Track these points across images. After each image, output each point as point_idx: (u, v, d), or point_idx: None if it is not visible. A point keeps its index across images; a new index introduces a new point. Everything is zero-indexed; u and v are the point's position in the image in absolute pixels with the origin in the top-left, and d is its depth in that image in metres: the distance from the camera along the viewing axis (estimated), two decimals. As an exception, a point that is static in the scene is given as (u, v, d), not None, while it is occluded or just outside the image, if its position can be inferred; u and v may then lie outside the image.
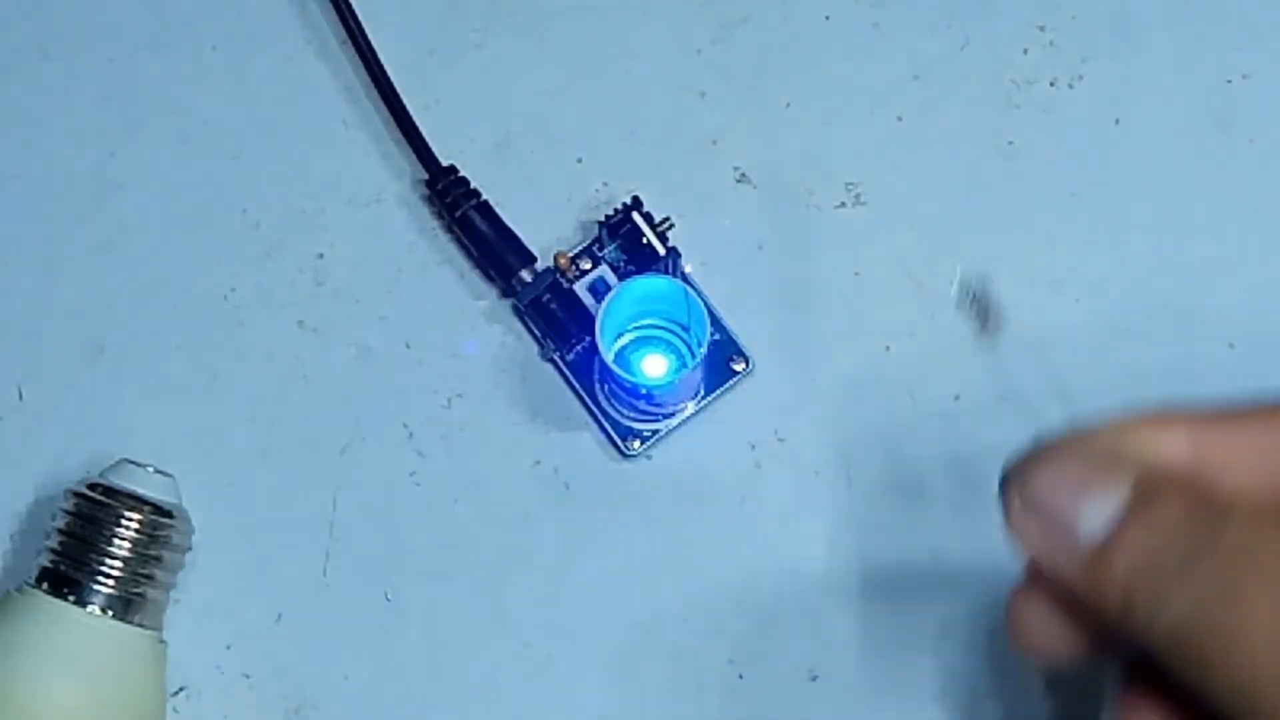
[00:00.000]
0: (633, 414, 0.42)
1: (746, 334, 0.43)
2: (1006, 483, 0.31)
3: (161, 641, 0.40)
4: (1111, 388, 0.43)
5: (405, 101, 0.44)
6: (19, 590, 0.39)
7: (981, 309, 0.35)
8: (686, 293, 0.40)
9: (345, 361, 0.44)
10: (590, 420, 0.43)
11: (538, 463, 0.43)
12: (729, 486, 0.42)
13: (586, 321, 0.42)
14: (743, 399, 0.43)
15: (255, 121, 0.45)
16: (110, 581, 0.38)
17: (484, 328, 0.44)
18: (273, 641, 0.42)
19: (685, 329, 0.41)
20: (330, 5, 0.45)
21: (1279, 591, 0.27)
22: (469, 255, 0.44)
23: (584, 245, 0.44)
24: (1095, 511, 0.29)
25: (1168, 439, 0.30)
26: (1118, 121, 0.45)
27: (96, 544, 0.38)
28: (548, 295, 0.42)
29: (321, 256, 0.44)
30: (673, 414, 0.42)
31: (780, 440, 0.43)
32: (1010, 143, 0.45)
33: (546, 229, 0.44)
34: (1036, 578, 0.31)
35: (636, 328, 0.42)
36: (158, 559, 0.39)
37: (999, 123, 0.45)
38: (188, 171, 0.45)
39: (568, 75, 0.46)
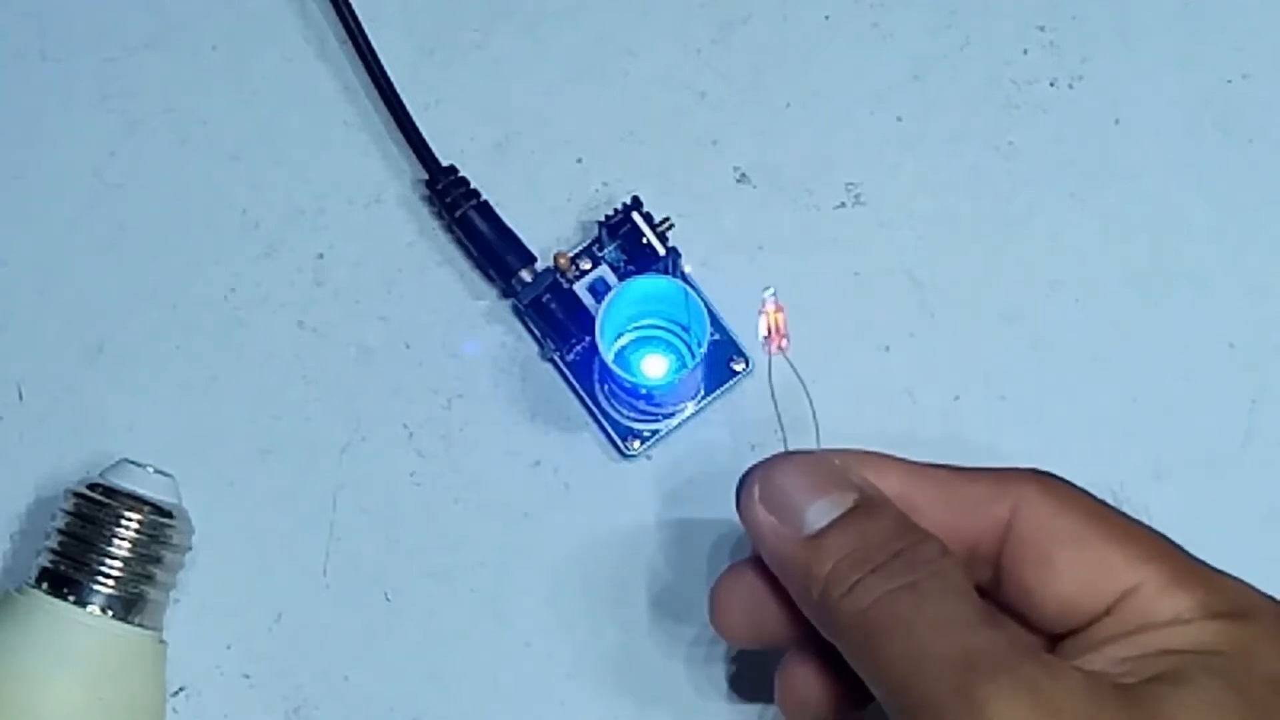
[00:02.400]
0: (633, 414, 0.42)
1: (746, 334, 0.43)
2: (749, 477, 0.36)
3: (161, 641, 0.40)
4: (1111, 387, 0.43)
5: (405, 101, 0.44)
6: (19, 590, 0.39)
7: (772, 329, 0.38)
8: (686, 293, 0.40)
9: (345, 361, 0.43)
10: (590, 420, 0.43)
11: (538, 463, 0.43)
12: (729, 486, 0.42)
13: (586, 321, 0.42)
14: (743, 399, 0.43)
15: (255, 121, 0.45)
16: (110, 581, 0.38)
17: (484, 328, 0.44)
18: (273, 641, 0.42)
19: (685, 329, 0.41)
20: (330, 5, 0.45)
21: (954, 605, 0.32)
22: (469, 255, 0.44)
23: (584, 245, 0.44)
24: (820, 509, 0.34)
25: (885, 477, 0.35)
26: (1118, 121, 0.45)
27: (96, 544, 0.38)
28: (548, 295, 0.42)
29: (321, 256, 0.44)
30: (673, 414, 0.42)
31: (780, 440, 0.43)
32: (1010, 143, 0.45)
33: (546, 229, 0.44)
34: (747, 567, 0.36)
35: (636, 328, 0.42)
36: (158, 559, 0.39)
37: (999, 123, 0.45)
38: (188, 171, 0.45)
39: (568, 75, 0.46)
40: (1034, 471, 0.35)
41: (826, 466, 0.35)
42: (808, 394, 0.37)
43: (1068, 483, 0.35)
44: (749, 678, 0.41)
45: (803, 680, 0.36)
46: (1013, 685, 0.31)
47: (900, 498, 0.35)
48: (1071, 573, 0.34)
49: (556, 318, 0.42)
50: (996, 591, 0.35)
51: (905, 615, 0.32)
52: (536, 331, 0.43)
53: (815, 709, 0.36)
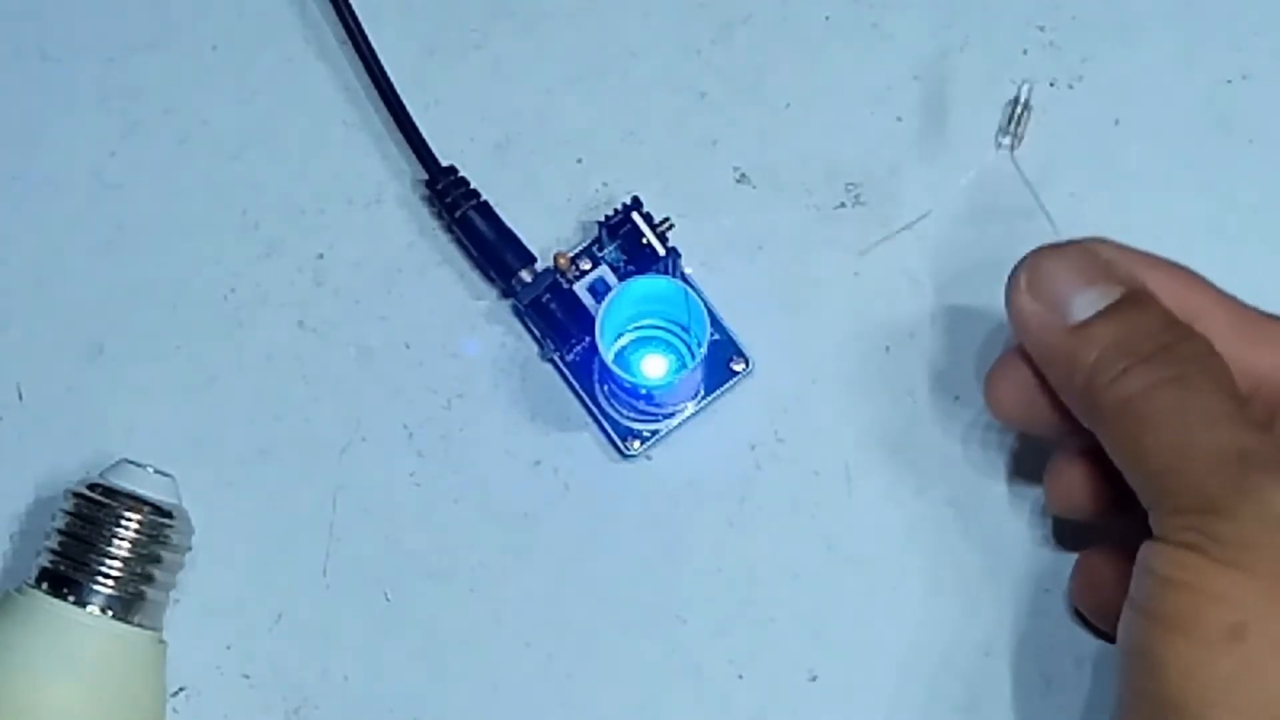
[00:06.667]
0: (633, 414, 0.42)
1: (746, 334, 0.43)
2: (1018, 268, 0.36)
3: (161, 641, 0.40)
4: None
5: (405, 101, 0.44)
6: (19, 590, 0.39)
7: (1016, 120, 0.39)
8: (686, 293, 0.40)
9: (345, 361, 0.44)
10: (590, 420, 0.43)
11: (538, 463, 0.43)
12: (729, 486, 0.42)
13: (586, 322, 0.42)
14: (743, 399, 0.43)
15: (255, 121, 0.45)
16: (110, 582, 0.38)
17: (484, 328, 0.44)
18: (273, 641, 0.42)
19: (685, 329, 0.41)
20: (330, 5, 0.45)
21: (1223, 402, 0.33)
22: (469, 255, 0.44)
23: (584, 245, 0.44)
24: (1088, 300, 0.35)
25: (1190, 295, 0.36)
26: (1118, 122, 0.45)
27: (96, 544, 0.38)
28: (548, 295, 0.42)
29: (321, 256, 0.44)
30: (673, 414, 0.42)
31: (780, 440, 0.43)
32: (1010, 143, 0.45)
33: (546, 229, 0.44)
34: (1017, 356, 0.37)
35: (636, 328, 0.42)
36: (157, 559, 0.39)
37: (999, 123, 0.45)
38: (188, 171, 0.45)
39: (568, 75, 0.46)
40: None
41: (1094, 258, 0.36)
42: (1032, 191, 0.39)
43: None
44: (748, 681, 0.41)
45: (1069, 479, 0.37)
46: None
47: (1196, 317, 0.35)
48: None
49: (556, 318, 0.42)
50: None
51: (1173, 406, 0.33)
52: (536, 331, 0.43)
53: (1080, 508, 0.38)
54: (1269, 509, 0.31)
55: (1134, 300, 0.35)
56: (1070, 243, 0.36)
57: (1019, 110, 0.41)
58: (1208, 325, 0.35)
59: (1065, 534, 0.41)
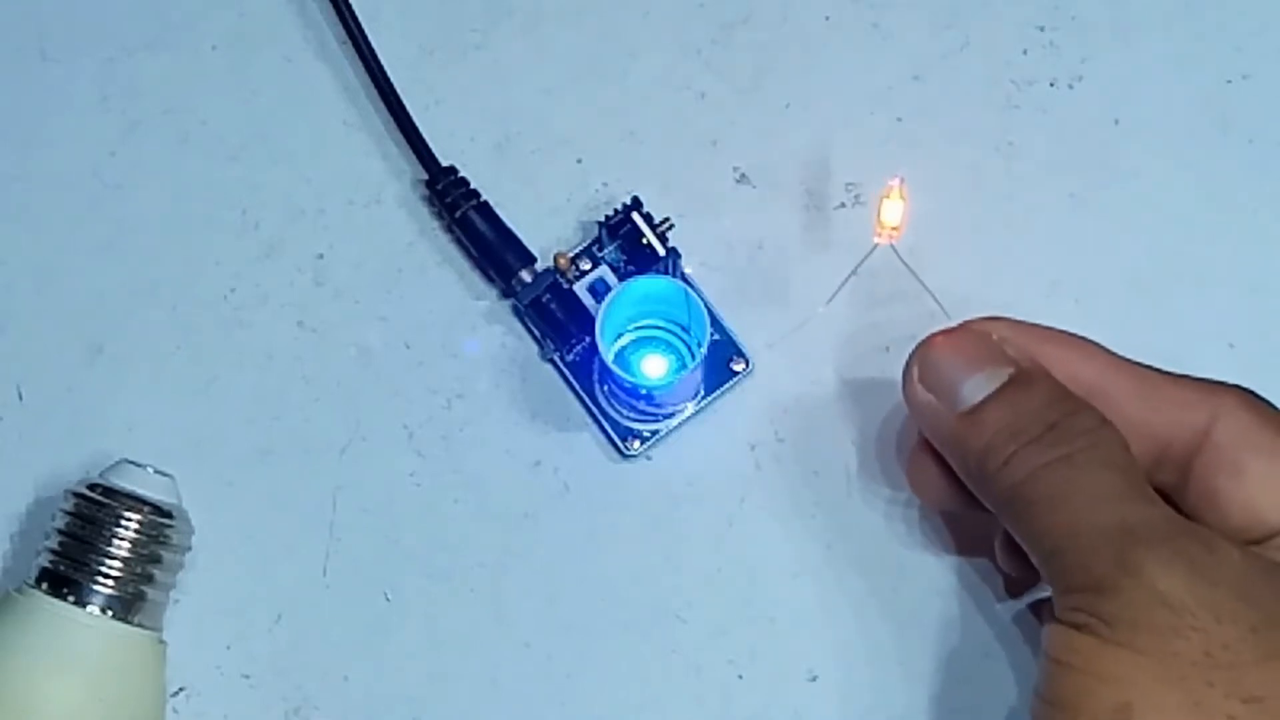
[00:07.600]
0: (633, 414, 0.42)
1: (746, 334, 0.43)
2: (910, 360, 0.37)
3: (161, 641, 0.40)
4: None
5: (405, 101, 0.44)
6: (19, 590, 0.39)
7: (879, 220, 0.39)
8: (686, 293, 0.40)
9: (345, 361, 0.43)
10: (590, 420, 0.43)
11: (538, 463, 0.43)
12: (729, 486, 0.42)
13: (586, 322, 0.42)
14: (743, 399, 0.43)
15: (255, 121, 0.45)
16: (110, 582, 0.38)
17: (484, 328, 0.44)
18: (273, 641, 0.42)
19: (685, 329, 0.41)
20: (330, 5, 0.45)
21: (1110, 478, 0.33)
22: (469, 255, 0.44)
23: (584, 245, 0.44)
24: (975, 385, 0.35)
25: (1085, 365, 0.36)
26: (1118, 121, 0.45)
27: (96, 544, 0.38)
28: (548, 295, 0.42)
29: (321, 257, 0.44)
30: (672, 414, 0.42)
31: (780, 440, 0.43)
32: (1010, 143, 0.45)
33: (546, 229, 0.44)
34: (928, 446, 0.37)
35: (636, 328, 0.42)
36: (157, 559, 0.39)
37: (999, 123, 0.45)
38: (188, 171, 0.45)
39: (568, 75, 0.46)
40: (1238, 386, 0.36)
41: (983, 341, 0.36)
42: (919, 279, 0.39)
43: (1270, 403, 0.35)
44: (748, 681, 0.41)
45: (1010, 548, 0.37)
46: (1170, 555, 0.32)
47: (1097, 387, 0.35)
48: (1262, 484, 0.34)
49: (556, 318, 0.42)
50: (1180, 495, 0.35)
51: (1060, 487, 0.33)
52: (536, 331, 0.43)
53: (1024, 571, 0.37)
54: (1151, 585, 0.31)
55: (1022, 380, 0.35)
56: (960, 326, 0.37)
57: (891, 202, 0.40)
58: (1108, 392, 0.35)
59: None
